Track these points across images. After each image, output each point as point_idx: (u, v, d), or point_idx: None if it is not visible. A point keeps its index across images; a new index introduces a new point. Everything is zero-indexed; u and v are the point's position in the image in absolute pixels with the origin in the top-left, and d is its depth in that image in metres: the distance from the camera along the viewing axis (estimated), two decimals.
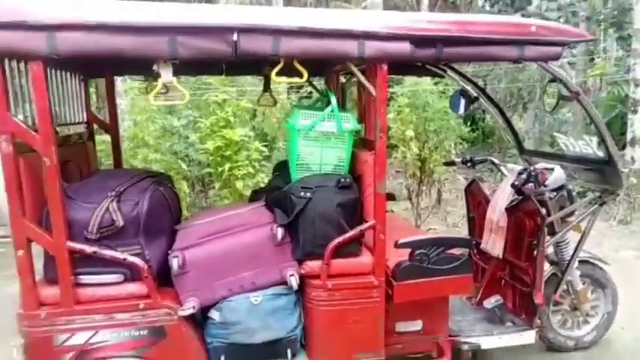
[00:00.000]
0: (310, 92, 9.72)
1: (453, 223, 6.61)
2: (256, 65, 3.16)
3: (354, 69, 2.24)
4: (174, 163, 5.11)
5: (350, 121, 2.38)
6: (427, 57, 2.26)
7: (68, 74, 2.87)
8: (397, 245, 2.41)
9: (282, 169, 2.90)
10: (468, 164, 3.46)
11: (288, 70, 2.20)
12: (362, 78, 2.26)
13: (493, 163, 3.43)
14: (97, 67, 3.04)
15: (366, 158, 2.38)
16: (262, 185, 5.60)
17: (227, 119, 5.22)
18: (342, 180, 2.36)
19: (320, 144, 2.38)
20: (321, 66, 2.84)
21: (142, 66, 2.81)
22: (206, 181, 6.04)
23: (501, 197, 3.10)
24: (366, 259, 2.44)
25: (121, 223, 2.13)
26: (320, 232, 2.33)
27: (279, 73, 2.17)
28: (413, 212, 6.46)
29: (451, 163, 3.73)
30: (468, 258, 2.54)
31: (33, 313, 2.12)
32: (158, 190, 2.41)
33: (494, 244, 3.10)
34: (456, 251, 2.54)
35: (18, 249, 2.05)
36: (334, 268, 2.37)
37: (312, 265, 2.37)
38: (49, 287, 2.16)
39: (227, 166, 5.08)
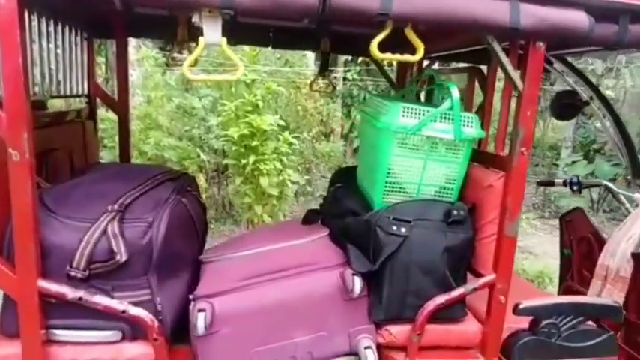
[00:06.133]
0: (352, 79, 8.86)
1: None
2: (312, 37, 2.40)
3: (496, 46, 1.47)
4: (191, 151, 4.34)
5: (473, 125, 1.61)
6: (606, 38, 1.49)
7: (67, 29, 2.11)
8: (517, 310, 1.66)
9: (345, 180, 2.13)
10: (574, 188, 2.68)
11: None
12: (506, 61, 1.48)
13: (609, 190, 2.65)
14: (107, 24, 2.28)
15: (491, 182, 1.62)
16: (289, 183, 4.87)
17: (255, 103, 4.46)
18: (454, 212, 1.60)
19: (423, 155, 1.62)
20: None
21: (165, 25, 2.11)
22: (222, 173, 5.27)
23: (625, 238, 2.34)
24: (471, 326, 1.70)
25: (123, 257, 1.38)
26: (415, 287, 1.58)
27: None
28: None
29: (548, 184, 2.95)
30: (612, 334, 1.80)
31: None
32: (181, 203, 1.66)
33: (609, 298, 2.35)
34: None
35: None
36: (427, 337, 1.63)
37: (396, 333, 1.63)
38: (7, 344, 1.42)
39: (252, 158, 4.33)
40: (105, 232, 1.40)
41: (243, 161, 4.37)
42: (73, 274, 1.38)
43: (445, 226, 1.60)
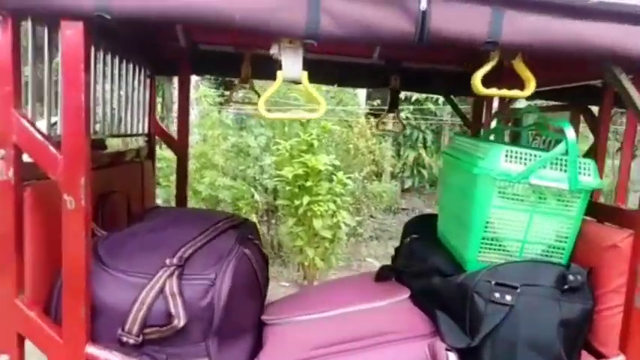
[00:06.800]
0: (405, 118, 8.67)
1: None
2: (381, 73, 2.24)
3: (625, 80, 1.22)
4: (245, 191, 4.23)
5: (591, 174, 1.35)
6: None
7: (131, 66, 2.05)
8: None
9: (422, 230, 1.89)
10: None
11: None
12: (637, 97, 1.23)
13: None
14: (171, 62, 2.22)
15: (615, 241, 1.34)
16: (343, 225, 4.64)
17: (310, 142, 4.33)
18: (570, 277, 1.32)
19: (529, 207, 1.37)
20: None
21: (228, 62, 2.04)
22: (273, 212, 5.12)
23: None
24: None
25: (182, 322, 1.20)
26: None
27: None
28: None
29: None
30: None
31: None
32: (244, 256, 1.47)
33: None
34: None
35: (1, 353, 1.16)
36: None
37: None
38: None
39: (305, 199, 4.16)
40: (162, 290, 1.23)
41: (297, 202, 4.21)
42: (124, 339, 1.20)
43: (559, 294, 1.31)
